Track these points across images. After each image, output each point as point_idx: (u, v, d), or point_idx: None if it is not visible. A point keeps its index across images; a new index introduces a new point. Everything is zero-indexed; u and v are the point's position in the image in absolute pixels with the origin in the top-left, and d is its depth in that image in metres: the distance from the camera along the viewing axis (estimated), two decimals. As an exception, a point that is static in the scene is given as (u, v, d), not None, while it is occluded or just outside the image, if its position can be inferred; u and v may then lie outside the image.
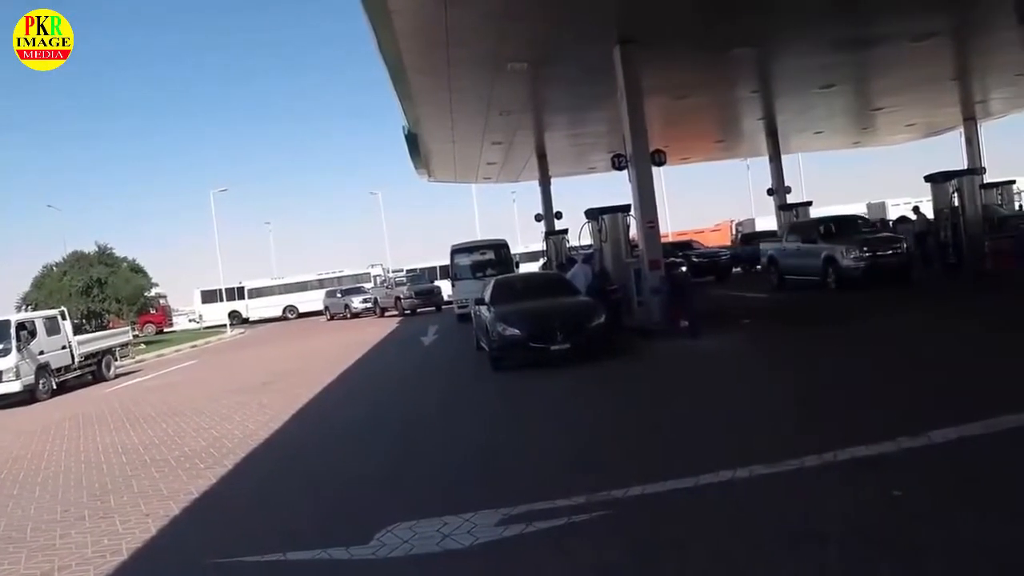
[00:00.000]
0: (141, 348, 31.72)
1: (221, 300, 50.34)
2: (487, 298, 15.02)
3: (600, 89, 17.92)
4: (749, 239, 35.12)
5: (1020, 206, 24.51)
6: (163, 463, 8.98)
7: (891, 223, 27.53)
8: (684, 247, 31.75)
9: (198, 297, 52.42)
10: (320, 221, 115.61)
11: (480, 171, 33.04)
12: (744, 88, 22.36)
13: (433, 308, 36.36)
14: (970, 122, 30.08)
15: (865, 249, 19.25)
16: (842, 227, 21.58)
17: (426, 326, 26.31)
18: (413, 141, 25.60)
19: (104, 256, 38.57)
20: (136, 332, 36.09)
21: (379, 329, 29.06)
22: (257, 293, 52.22)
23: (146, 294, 40.04)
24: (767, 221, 36.72)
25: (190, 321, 52.80)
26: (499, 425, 9.38)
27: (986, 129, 31.80)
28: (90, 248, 39.26)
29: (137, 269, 39.74)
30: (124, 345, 24.49)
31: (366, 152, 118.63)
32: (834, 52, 18.86)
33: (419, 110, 20.82)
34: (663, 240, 19.03)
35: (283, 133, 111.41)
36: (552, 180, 31.35)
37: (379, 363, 18.63)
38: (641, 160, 16.17)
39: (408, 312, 35.97)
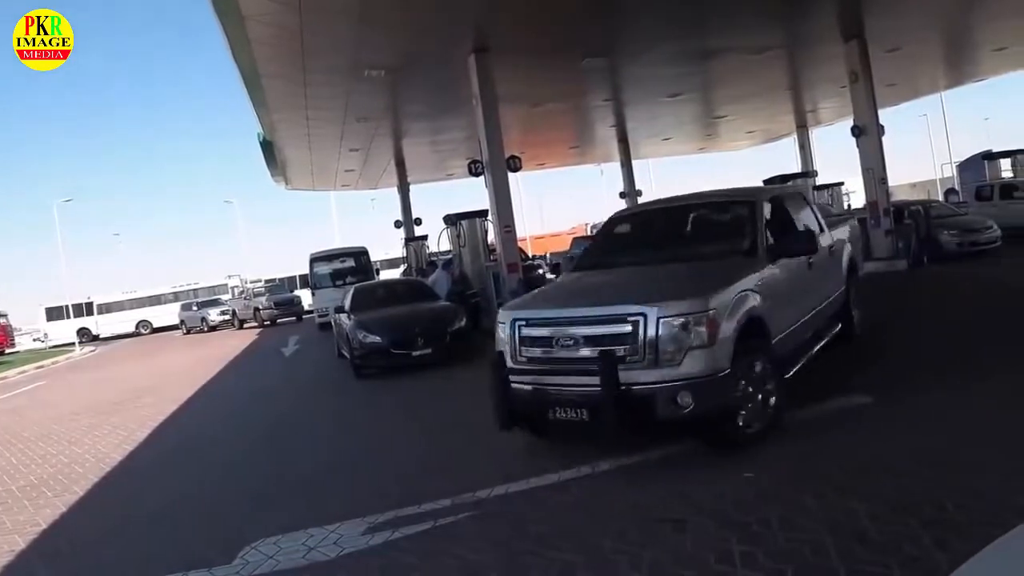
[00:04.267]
0: (-22, 372, 29.46)
1: (68, 317, 47.79)
2: (347, 306, 14.95)
3: (457, 96, 18.10)
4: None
5: (848, 205, 26.60)
6: (6, 494, 8.45)
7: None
8: None
9: (43, 314, 49.19)
10: (174, 232, 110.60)
11: (338, 178, 32.64)
12: (596, 96, 23.11)
13: (293, 318, 35.77)
14: (803, 129, 32.31)
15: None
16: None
17: (286, 337, 25.77)
18: (269, 148, 25.03)
19: (-69, 274, 35.78)
20: (-28, 355, 33.60)
21: (238, 342, 28.20)
22: (107, 308, 49.64)
23: (-17, 313, 37.35)
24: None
25: (35, 340, 49.37)
26: (363, 433, 9.42)
27: (817, 135, 34.15)
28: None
29: (-29, 287, 37.08)
30: (-43, 369, 22.77)
31: (220, 160, 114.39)
32: (680, 63, 19.80)
33: (274, 117, 20.39)
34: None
35: (131, 141, 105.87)
36: (411, 186, 31.33)
37: (238, 376, 18.12)
38: (497, 166, 16.47)
39: (268, 323, 35.17)
